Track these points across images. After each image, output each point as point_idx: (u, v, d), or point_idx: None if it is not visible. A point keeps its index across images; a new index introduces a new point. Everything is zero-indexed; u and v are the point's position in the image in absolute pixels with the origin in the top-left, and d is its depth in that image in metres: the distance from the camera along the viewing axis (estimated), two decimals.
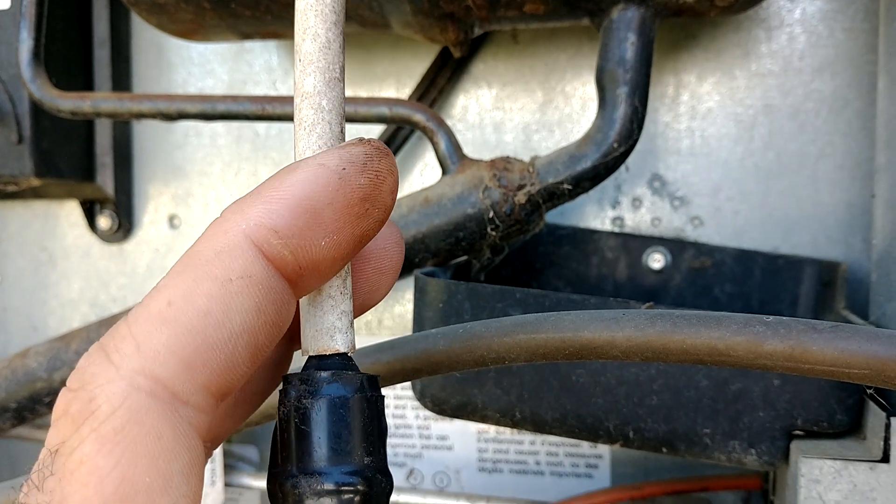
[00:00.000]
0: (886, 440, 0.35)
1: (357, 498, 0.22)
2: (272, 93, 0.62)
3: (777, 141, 0.54)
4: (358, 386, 0.23)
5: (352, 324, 0.24)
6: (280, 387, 0.23)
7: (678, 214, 0.56)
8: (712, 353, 0.28)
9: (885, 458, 0.35)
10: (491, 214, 0.44)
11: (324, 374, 0.22)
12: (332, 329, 0.23)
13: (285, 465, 0.22)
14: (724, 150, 0.55)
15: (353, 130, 0.54)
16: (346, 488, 0.21)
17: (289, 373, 0.23)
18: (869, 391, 0.38)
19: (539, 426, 0.42)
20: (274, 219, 0.20)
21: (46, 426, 0.62)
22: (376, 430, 0.23)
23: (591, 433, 0.41)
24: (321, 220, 0.21)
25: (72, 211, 0.67)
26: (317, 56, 0.23)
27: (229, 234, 0.20)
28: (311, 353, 0.24)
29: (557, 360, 0.30)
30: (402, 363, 0.30)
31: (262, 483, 0.57)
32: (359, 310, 0.25)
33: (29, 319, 0.67)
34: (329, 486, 0.21)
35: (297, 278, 0.21)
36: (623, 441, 0.41)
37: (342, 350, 0.24)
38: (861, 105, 0.52)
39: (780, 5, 0.53)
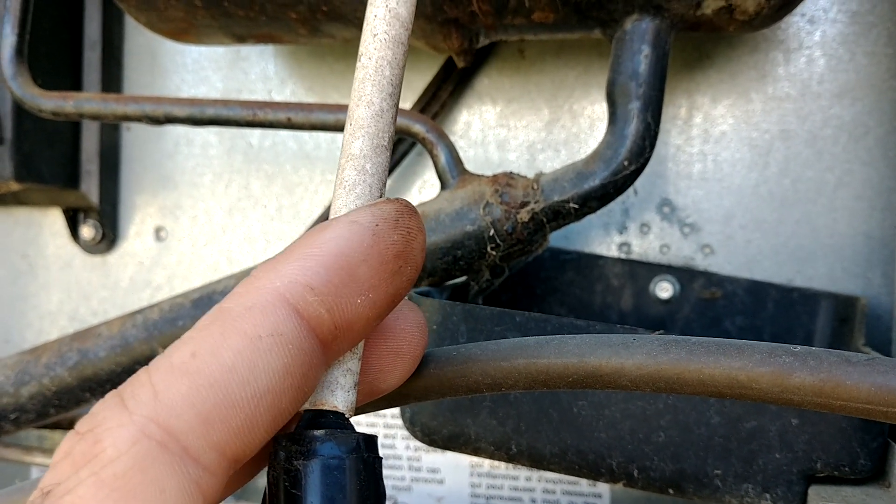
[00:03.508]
0: None
1: None
2: None
3: (793, 168, 0.51)
4: (353, 446, 0.21)
5: (355, 385, 0.23)
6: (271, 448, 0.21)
7: (688, 242, 0.53)
8: (733, 384, 0.25)
9: None
10: (491, 232, 0.42)
11: (317, 432, 0.21)
12: (334, 384, 0.22)
13: None
14: (738, 176, 0.52)
15: None
16: None
17: (279, 433, 0.21)
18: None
19: (536, 461, 0.39)
20: (309, 276, 0.20)
21: (14, 445, 0.59)
22: (373, 494, 0.21)
23: (593, 470, 0.38)
24: (356, 278, 0.20)
25: (55, 220, 0.64)
26: (368, 122, 0.23)
27: (262, 291, 0.20)
28: (307, 407, 0.22)
29: (560, 388, 0.27)
30: None
31: None
32: (366, 394, 0.24)
33: (5, 331, 0.64)
34: None
35: (332, 339, 0.21)
36: (626, 480, 0.38)
37: (340, 409, 0.22)
38: (882, 132, 0.50)
39: (799, 27, 0.51)
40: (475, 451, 0.40)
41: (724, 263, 0.53)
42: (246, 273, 0.47)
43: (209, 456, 0.18)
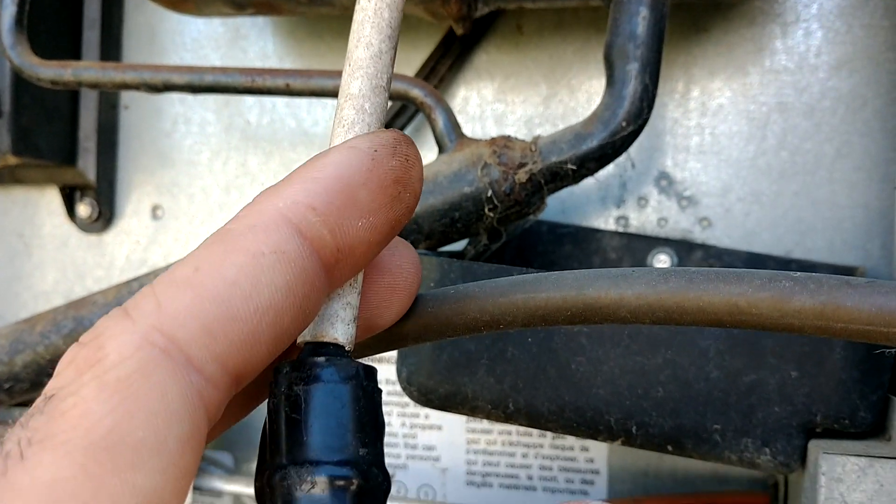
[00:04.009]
0: None
1: (352, 488, 0.20)
2: None
3: (791, 140, 0.51)
4: (353, 373, 0.21)
5: (355, 319, 0.23)
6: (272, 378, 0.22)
7: (686, 215, 0.53)
8: (732, 311, 0.25)
9: None
10: (489, 193, 0.42)
11: (317, 359, 0.21)
12: (333, 317, 0.22)
13: (274, 457, 0.20)
14: (736, 149, 0.52)
15: None
16: (339, 481, 0.20)
17: (279, 362, 0.21)
18: None
19: (534, 419, 0.39)
20: (311, 197, 0.20)
21: (11, 423, 0.59)
22: (372, 422, 0.21)
23: (591, 428, 0.38)
24: (357, 201, 0.21)
25: (52, 199, 0.64)
26: (367, 63, 0.23)
27: (264, 213, 0.20)
28: (308, 339, 0.22)
29: (559, 323, 0.27)
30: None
31: (235, 487, 0.53)
32: (364, 329, 0.24)
33: None
34: (321, 478, 0.19)
35: (334, 262, 0.21)
36: (625, 437, 0.38)
37: (341, 341, 0.22)
38: (881, 104, 0.50)
39: (796, 0, 0.51)
40: (472, 411, 0.40)
41: (723, 236, 0.52)
42: None
43: (211, 367, 0.18)
